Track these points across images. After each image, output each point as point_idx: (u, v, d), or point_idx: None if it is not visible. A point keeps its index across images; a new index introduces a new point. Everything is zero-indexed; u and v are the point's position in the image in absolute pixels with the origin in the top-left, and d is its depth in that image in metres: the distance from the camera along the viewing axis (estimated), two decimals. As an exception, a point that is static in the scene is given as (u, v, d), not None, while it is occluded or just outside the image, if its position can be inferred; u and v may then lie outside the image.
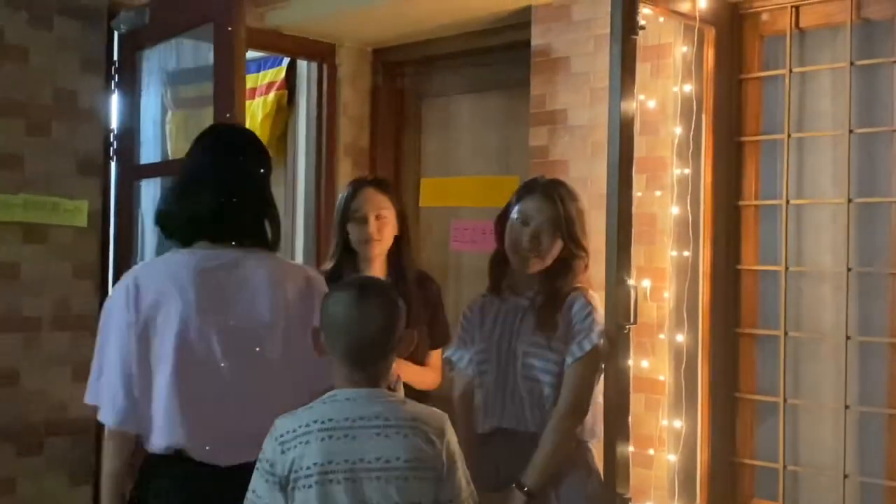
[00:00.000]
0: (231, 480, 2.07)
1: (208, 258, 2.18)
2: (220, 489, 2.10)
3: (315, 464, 1.86)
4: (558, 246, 2.60)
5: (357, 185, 3.00)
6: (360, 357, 1.95)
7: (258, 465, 1.94)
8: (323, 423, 1.89)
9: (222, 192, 2.19)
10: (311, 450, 1.87)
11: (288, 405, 2.02)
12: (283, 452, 1.88)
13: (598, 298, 2.61)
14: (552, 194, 2.63)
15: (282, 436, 1.90)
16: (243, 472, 2.01)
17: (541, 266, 2.62)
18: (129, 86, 3.88)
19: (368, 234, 2.90)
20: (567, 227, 2.60)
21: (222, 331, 2.13)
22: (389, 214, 2.95)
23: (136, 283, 2.17)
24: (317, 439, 1.87)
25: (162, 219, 2.27)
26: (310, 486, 1.85)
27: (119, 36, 3.86)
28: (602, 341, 2.54)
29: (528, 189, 2.69)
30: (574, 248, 2.61)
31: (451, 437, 1.97)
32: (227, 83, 3.18)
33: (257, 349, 2.15)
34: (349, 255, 2.96)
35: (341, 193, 3.05)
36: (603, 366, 2.58)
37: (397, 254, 2.97)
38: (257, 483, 1.93)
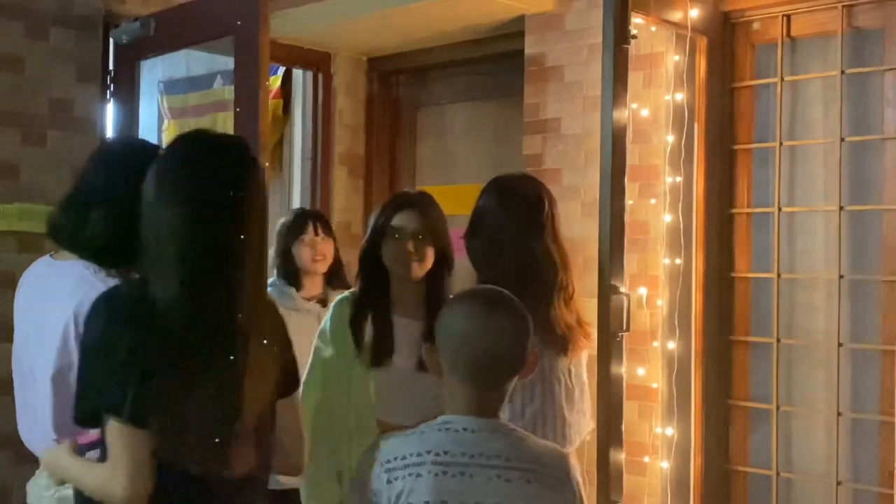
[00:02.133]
0: None
1: (44, 265, 2.13)
2: None
3: (426, 502, 1.66)
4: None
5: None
6: (485, 377, 1.73)
7: (358, 485, 1.75)
8: (437, 454, 1.69)
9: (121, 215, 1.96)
10: (422, 484, 1.66)
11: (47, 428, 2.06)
12: (388, 482, 1.68)
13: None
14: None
15: (388, 462, 1.70)
16: None
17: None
18: (126, 95, 3.89)
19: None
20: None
21: (24, 338, 2.13)
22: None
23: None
24: (429, 473, 1.67)
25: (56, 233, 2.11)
26: None
27: (115, 46, 3.87)
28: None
29: None
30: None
31: (577, 479, 1.76)
32: (250, 93, 3.15)
33: (28, 364, 2.10)
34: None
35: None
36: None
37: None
38: None
